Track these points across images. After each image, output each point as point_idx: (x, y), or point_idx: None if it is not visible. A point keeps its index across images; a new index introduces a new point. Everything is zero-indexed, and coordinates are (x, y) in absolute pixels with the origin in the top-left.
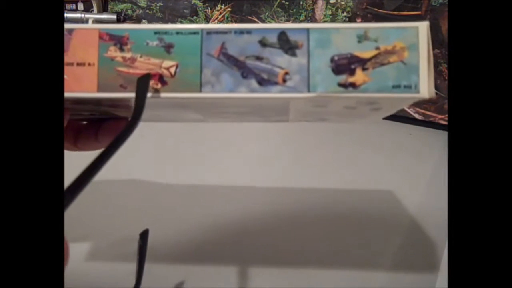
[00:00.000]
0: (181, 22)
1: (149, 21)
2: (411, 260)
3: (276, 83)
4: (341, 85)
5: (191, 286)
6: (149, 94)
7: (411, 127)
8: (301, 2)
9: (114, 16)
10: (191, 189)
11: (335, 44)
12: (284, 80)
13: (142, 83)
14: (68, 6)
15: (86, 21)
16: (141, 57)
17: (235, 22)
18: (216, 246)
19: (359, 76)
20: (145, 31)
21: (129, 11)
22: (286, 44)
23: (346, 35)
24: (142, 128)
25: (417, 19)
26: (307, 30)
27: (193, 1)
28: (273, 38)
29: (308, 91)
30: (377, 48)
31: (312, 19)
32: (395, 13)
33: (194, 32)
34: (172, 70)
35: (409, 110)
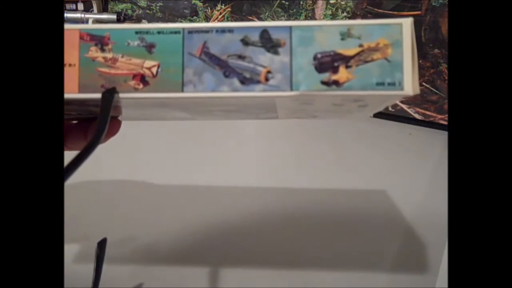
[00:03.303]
0: (181, 22)
1: (149, 21)
2: (411, 260)
3: (258, 82)
4: (324, 83)
5: (189, 286)
6: (131, 95)
7: (411, 127)
8: (301, 2)
9: (114, 16)
10: (189, 189)
11: (318, 41)
12: (267, 79)
13: (106, 97)
14: (68, 6)
15: (86, 21)
16: (122, 57)
17: (235, 22)
18: (213, 247)
19: (342, 73)
20: (126, 31)
21: (129, 11)
22: (269, 42)
23: (329, 33)
24: (141, 129)
25: (417, 19)
26: (290, 28)
27: (193, 1)
28: (255, 37)
29: (291, 89)
30: (361, 46)
31: (312, 19)
32: (395, 13)
33: (176, 32)
34: (154, 70)
35: (409, 110)
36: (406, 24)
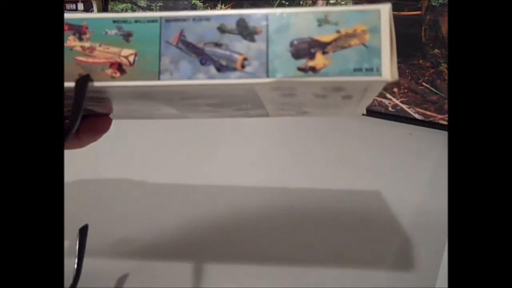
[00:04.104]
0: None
1: None
2: (411, 260)
3: (234, 69)
4: (300, 69)
5: (190, 286)
6: (108, 84)
7: (411, 127)
8: (301, 2)
9: None
10: (187, 189)
11: (295, 28)
12: (243, 66)
13: (81, 84)
14: (68, 6)
15: None
16: (100, 46)
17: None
18: (211, 245)
19: (319, 60)
20: (103, 20)
21: (129, 11)
22: (245, 30)
23: (305, 20)
24: (141, 129)
25: (417, 19)
26: (266, 15)
27: (193, 1)
28: (231, 25)
29: (267, 76)
30: (338, 32)
31: None
32: (395, 12)
33: (153, 20)
34: (131, 58)
35: (409, 110)
36: (385, 10)
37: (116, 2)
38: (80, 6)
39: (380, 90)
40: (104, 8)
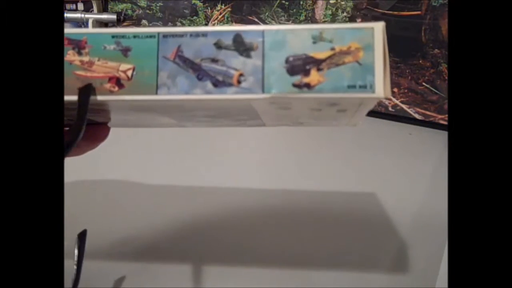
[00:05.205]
0: (181, 22)
1: (149, 21)
2: (411, 260)
3: (231, 85)
4: (295, 85)
5: (189, 287)
6: (107, 98)
7: (411, 127)
8: (301, 2)
9: (114, 16)
10: (187, 190)
11: (290, 45)
12: (239, 82)
13: (84, 93)
14: (68, 6)
15: (86, 21)
16: (98, 60)
17: (235, 22)
18: (211, 246)
19: (314, 76)
20: (102, 35)
21: (129, 11)
22: (241, 46)
23: (301, 36)
24: (140, 130)
25: (417, 19)
26: (262, 32)
27: (193, 1)
28: (228, 40)
29: (263, 92)
30: (332, 49)
31: (312, 19)
32: (395, 13)
33: (151, 36)
34: (129, 73)
35: (409, 110)
36: (378, 28)
37: (116, 2)
38: (80, 6)
39: (375, 104)
40: (104, 8)
